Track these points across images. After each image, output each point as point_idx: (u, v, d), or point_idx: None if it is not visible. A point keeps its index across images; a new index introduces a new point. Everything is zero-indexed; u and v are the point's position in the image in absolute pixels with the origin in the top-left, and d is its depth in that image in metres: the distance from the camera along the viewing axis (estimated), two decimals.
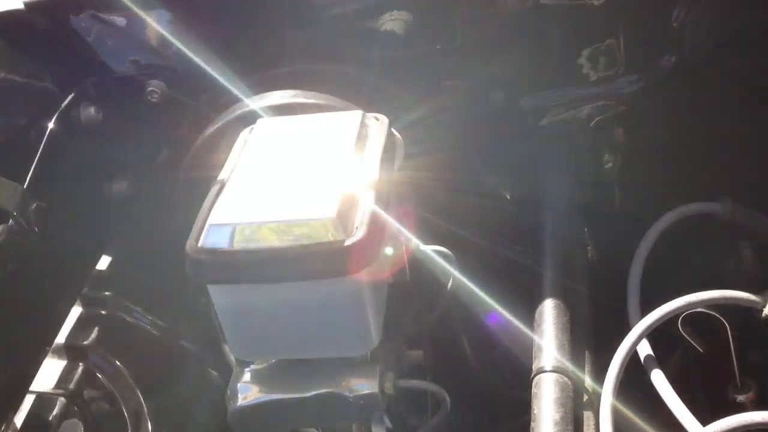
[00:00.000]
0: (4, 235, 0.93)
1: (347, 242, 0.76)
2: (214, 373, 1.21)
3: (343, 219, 0.78)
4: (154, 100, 1.20)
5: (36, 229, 0.97)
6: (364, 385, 0.85)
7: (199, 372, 1.21)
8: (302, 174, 0.85)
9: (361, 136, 0.91)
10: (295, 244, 0.77)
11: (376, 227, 0.79)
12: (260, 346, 0.86)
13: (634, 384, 0.94)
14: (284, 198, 0.81)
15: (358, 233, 0.77)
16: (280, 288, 0.79)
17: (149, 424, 1.06)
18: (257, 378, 0.88)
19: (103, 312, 1.16)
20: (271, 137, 0.93)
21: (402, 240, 0.95)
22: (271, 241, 0.77)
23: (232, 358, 1.13)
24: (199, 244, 0.79)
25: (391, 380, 0.85)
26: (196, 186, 1.13)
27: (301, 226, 0.77)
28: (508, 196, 1.29)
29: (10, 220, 0.95)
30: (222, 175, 0.90)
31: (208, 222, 0.80)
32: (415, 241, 0.96)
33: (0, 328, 0.92)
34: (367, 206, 0.81)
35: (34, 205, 0.99)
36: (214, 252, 0.78)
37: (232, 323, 0.84)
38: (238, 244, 0.78)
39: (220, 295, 0.82)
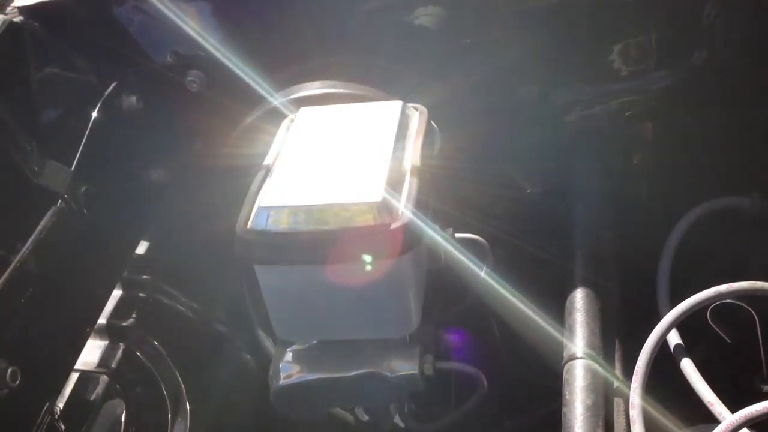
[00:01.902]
0: (56, 217, 0.96)
1: (393, 225, 0.79)
2: (248, 356, 1.24)
3: (389, 203, 0.80)
4: (193, 89, 1.23)
5: (85, 212, 1.01)
6: (404, 366, 0.88)
7: (233, 355, 1.24)
8: (346, 160, 0.87)
9: (402, 125, 0.93)
10: (341, 226, 0.79)
11: (420, 212, 0.82)
12: (303, 326, 0.89)
13: (659, 372, 0.96)
14: (330, 182, 0.84)
15: (404, 217, 0.80)
16: (325, 269, 0.82)
17: (188, 404, 1.09)
18: (299, 358, 0.91)
19: (141, 295, 1.19)
20: (313, 125, 0.96)
21: (439, 226, 0.98)
22: (319, 223, 0.80)
23: (266, 342, 1.17)
24: (248, 226, 0.82)
25: (430, 362, 0.88)
26: (234, 174, 1.17)
27: (348, 210, 0.80)
28: (538, 188, 1.31)
29: (60, 202, 0.98)
30: (267, 161, 0.92)
31: (257, 204, 0.83)
32: (450, 229, 0.99)
33: (48, 308, 0.95)
34: (410, 191, 0.83)
35: (84, 188, 1.02)
36: (262, 233, 0.81)
37: (277, 304, 0.87)
38: (286, 226, 0.81)
39: (266, 276, 0.84)
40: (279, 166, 0.89)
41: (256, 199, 0.85)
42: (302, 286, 0.84)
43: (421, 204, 0.83)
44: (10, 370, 0.85)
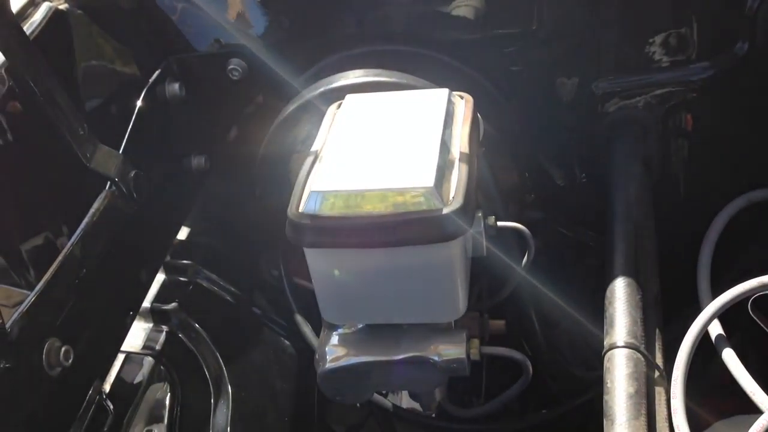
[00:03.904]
0: (107, 201, 0.98)
1: (445, 210, 0.80)
2: (286, 341, 1.25)
3: (440, 189, 0.81)
4: (234, 78, 1.24)
5: (134, 196, 1.02)
6: (451, 351, 0.89)
7: (271, 340, 1.26)
8: (395, 146, 0.88)
9: (449, 112, 0.94)
10: (393, 211, 0.80)
11: (470, 198, 0.82)
12: (351, 310, 0.90)
13: (695, 362, 0.96)
14: (381, 168, 0.85)
15: (455, 203, 0.81)
16: (376, 254, 0.83)
17: (230, 387, 1.11)
18: (345, 341, 0.92)
19: (183, 279, 1.21)
20: (360, 111, 0.97)
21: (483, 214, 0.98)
22: (371, 207, 0.81)
23: (305, 328, 1.18)
24: (300, 210, 0.83)
25: (477, 347, 0.89)
26: (276, 161, 1.18)
27: (400, 195, 0.81)
28: (576, 178, 1.31)
29: (112, 186, 1.00)
30: (315, 146, 0.94)
31: (309, 189, 0.84)
32: (493, 217, 0.99)
33: (97, 289, 0.97)
34: (461, 178, 0.84)
35: (133, 173, 1.03)
36: (313, 217, 0.82)
37: (325, 288, 0.88)
38: (338, 211, 0.82)
39: (316, 260, 0.86)
40: (328, 151, 0.90)
41: (306, 184, 0.86)
42: (351, 270, 0.85)
43: (471, 190, 0.84)
44: (63, 349, 0.87)
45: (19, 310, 0.82)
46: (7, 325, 0.79)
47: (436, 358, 0.88)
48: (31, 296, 0.85)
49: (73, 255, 0.92)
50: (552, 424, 1.27)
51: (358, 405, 1.31)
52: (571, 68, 1.22)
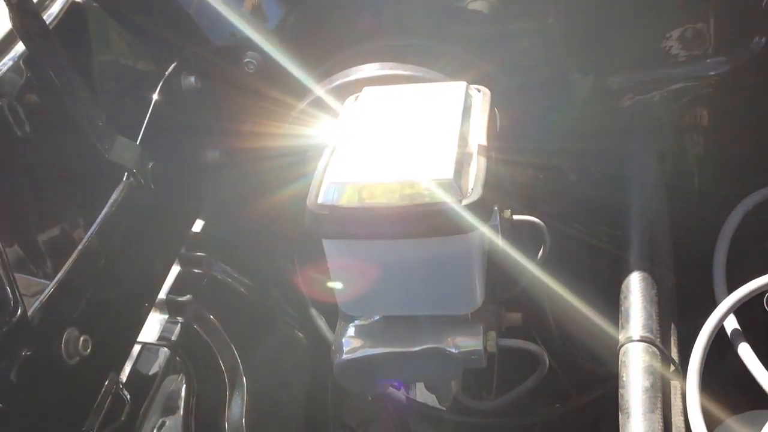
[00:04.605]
0: (125, 192, 0.98)
1: (464, 202, 0.80)
2: (300, 334, 1.26)
3: (459, 181, 0.81)
4: (250, 70, 1.24)
5: (152, 187, 1.03)
6: (468, 342, 0.89)
7: (286, 333, 1.26)
8: (414, 138, 0.88)
9: (467, 105, 0.94)
10: (412, 202, 0.80)
11: (489, 189, 0.82)
12: (369, 301, 0.90)
13: (710, 358, 0.96)
14: (400, 159, 0.85)
15: (474, 194, 0.81)
16: (394, 245, 0.83)
17: (244, 379, 1.11)
18: (362, 332, 0.93)
19: (197, 271, 1.22)
20: (378, 104, 0.97)
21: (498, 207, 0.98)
22: (390, 199, 0.81)
23: (319, 321, 1.19)
24: (319, 201, 0.83)
25: (494, 339, 0.89)
26: (290, 154, 1.18)
27: (419, 186, 0.81)
28: (591, 172, 1.31)
29: (130, 177, 1.00)
30: (332, 139, 0.94)
31: (328, 180, 0.84)
32: (508, 210, 1.00)
33: (115, 280, 0.97)
34: (479, 170, 0.84)
35: (151, 164, 1.04)
36: (333, 208, 0.83)
37: (343, 279, 0.88)
38: (358, 202, 0.82)
39: (334, 251, 0.86)
40: (346, 142, 0.90)
41: (324, 175, 0.86)
42: (370, 262, 0.85)
43: (490, 182, 0.84)
44: (82, 338, 0.87)
45: (40, 299, 0.83)
46: (29, 314, 0.80)
47: (453, 350, 0.88)
48: (51, 286, 0.85)
49: (92, 245, 0.92)
50: (564, 418, 1.28)
51: (369, 398, 1.31)
52: (586, 62, 1.22)
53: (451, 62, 1.17)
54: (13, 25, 0.89)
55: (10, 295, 0.76)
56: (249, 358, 1.15)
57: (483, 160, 0.86)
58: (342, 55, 1.22)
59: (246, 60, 1.24)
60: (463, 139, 0.87)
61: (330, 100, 1.12)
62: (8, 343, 0.77)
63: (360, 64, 1.17)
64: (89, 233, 0.92)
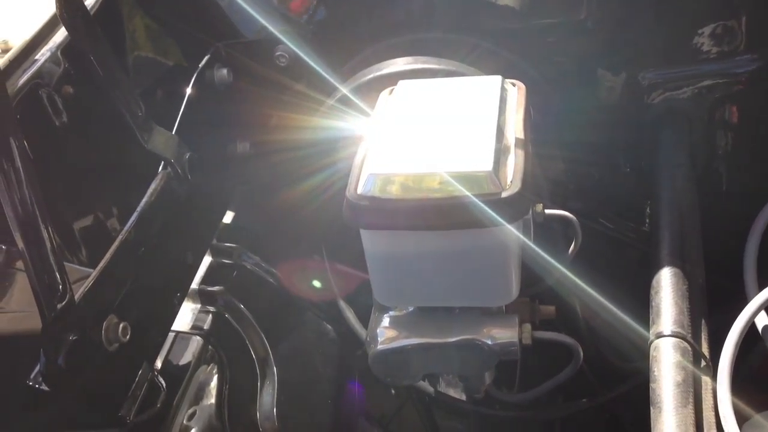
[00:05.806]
0: (163, 181, 1.00)
1: (504, 194, 0.80)
2: (328, 326, 1.27)
3: (497, 173, 0.82)
4: (281, 64, 1.25)
5: (189, 177, 1.04)
6: (503, 335, 0.90)
7: (314, 324, 1.27)
8: (451, 130, 0.89)
9: (503, 99, 0.95)
10: (451, 194, 0.81)
11: (528, 182, 0.83)
12: (404, 292, 0.91)
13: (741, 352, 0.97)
14: (438, 151, 0.85)
15: (513, 187, 0.81)
16: (432, 236, 0.84)
17: (275, 368, 1.12)
18: (397, 323, 0.93)
19: (228, 262, 1.23)
20: (413, 97, 0.97)
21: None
22: (429, 191, 0.82)
23: (347, 313, 1.20)
24: (359, 192, 0.84)
25: (529, 331, 0.90)
26: (322, 147, 1.19)
27: (459, 178, 0.81)
28: (621, 168, 1.31)
29: (168, 167, 1.02)
30: (368, 131, 0.95)
31: (367, 171, 0.85)
32: (541, 204, 1.00)
33: (152, 268, 0.98)
34: (517, 163, 0.85)
35: (188, 154, 1.05)
36: (372, 199, 0.83)
37: (380, 269, 0.89)
38: (397, 193, 0.83)
39: (373, 241, 0.86)
40: (384, 134, 0.91)
41: (363, 166, 0.87)
42: (407, 253, 0.86)
43: (528, 175, 0.84)
44: (121, 325, 0.89)
45: (85, 286, 0.84)
46: (76, 300, 0.81)
47: (488, 342, 0.89)
48: (95, 273, 0.87)
49: (132, 234, 0.94)
50: (584, 414, 1.28)
51: (392, 391, 1.32)
52: (617, 58, 1.22)
53: (481, 56, 1.17)
54: (58, 14, 0.90)
55: (60, 282, 0.77)
56: (279, 348, 1.16)
57: (521, 153, 0.87)
58: (373, 49, 1.23)
59: (277, 53, 1.25)
60: (501, 133, 0.88)
61: (363, 94, 1.13)
62: (57, 328, 0.78)
63: (390, 58, 1.18)
64: (130, 222, 0.94)
